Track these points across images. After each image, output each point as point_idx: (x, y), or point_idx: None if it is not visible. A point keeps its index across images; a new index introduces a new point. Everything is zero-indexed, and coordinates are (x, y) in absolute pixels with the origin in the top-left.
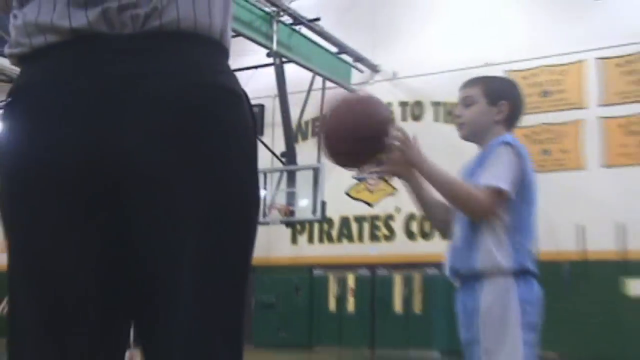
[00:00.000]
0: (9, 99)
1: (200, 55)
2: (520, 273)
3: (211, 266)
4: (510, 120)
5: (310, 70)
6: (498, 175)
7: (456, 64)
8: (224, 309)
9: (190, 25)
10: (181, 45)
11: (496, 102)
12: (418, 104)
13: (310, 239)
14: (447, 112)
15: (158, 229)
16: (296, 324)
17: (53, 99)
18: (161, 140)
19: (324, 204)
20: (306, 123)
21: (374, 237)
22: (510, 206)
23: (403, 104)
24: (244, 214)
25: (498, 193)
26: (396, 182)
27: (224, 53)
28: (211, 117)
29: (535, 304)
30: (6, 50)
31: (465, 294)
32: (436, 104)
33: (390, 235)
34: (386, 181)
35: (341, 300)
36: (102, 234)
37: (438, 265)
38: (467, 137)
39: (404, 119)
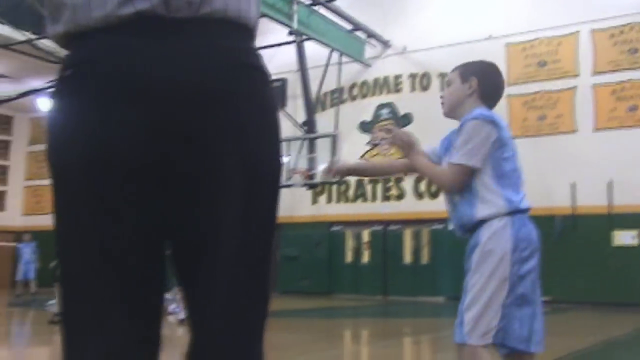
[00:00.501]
0: (65, 74)
1: (240, 40)
2: (514, 213)
3: (249, 224)
4: (483, 94)
5: (328, 46)
6: (464, 152)
7: (461, 37)
8: (260, 261)
9: (235, 14)
10: (226, 31)
11: (467, 79)
12: (426, 75)
13: (329, 199)
14: None
15: (205, 193)
16: (316, 274)
17: (110, 75)
18: (208, 112)
19: None
20: (325, 95)
21: (386, 197)
22: (494, 163)
23: (412, 76)
24: (274, 176)
25: (463, 168)
26: None
27: (254, 38)
28: (250, 93)
29: (529, 239)
30: (57, 27)
31: (470, 238)
32: (442, 76)
33: (401, 195)
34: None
35: (357, 253)
36: (150, 200)
37: (443, 221)
38: (447, 114)
39: (413, 89)
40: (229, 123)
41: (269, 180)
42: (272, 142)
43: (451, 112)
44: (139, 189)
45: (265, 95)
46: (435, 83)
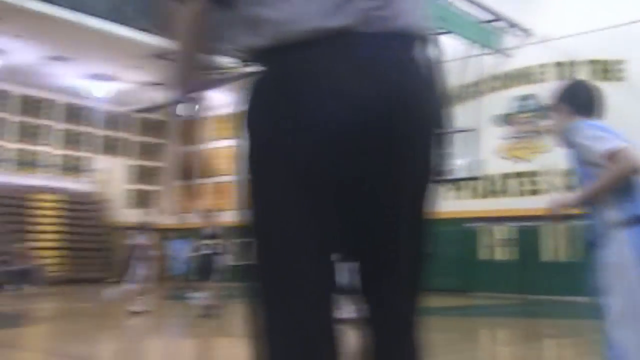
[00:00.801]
0: (265, 85)
1: (422, 51)
2: (633, 222)
3: (420, 228)
4: (579, 110)
5: (465, 38)
6: (600, 143)
7: (607, 21)
8: (424, 263)
9: (417, 28)
10: (411, 43)
11: (558, 107)
12: (572, 63)
13: (463, 195)
14: (603, 70)
15: (389, 198)
16: (450, 272)
17: (312, 86)
18: (404, 114)
19: (479, 162)
20: (463, 88)
21: (520, 192)
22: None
23: (558, 65)
24: (437, 184)
25: (615, 152)
26: (546, 140)
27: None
28: (436, 100)
29: None
30: (256, 40)
31: (593, 250)
32: (593, 62)
33: (538, 190)
34: (537, 139)
35: (491, 250)
36: (346, 201)
37: (583, 217)
38: (559, 145)
39: (558, 78)
40: (414, 131)
41: (433, 188)
42: (444, 149)
43: (560, 141)
44: (336, 188)
45: (443, 103)
46: (584, 71)
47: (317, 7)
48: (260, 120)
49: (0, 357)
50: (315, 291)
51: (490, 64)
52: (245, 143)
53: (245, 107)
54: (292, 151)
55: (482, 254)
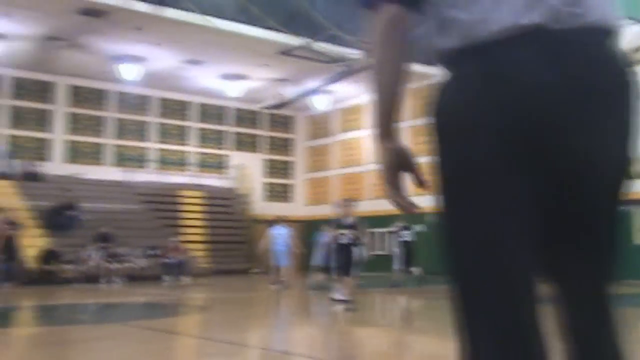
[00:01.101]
0: (461, 85)
1: (614, 45)
2: None
3: (611, 219)
4: None
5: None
6: None
7: None
8: (620, 241)
9: (609, 22)
10: (602, 38)
11: None
12: None
13: None
14: None
15: (580, 178)
16: None
17: (511, 83)
18: (604, 105)
19: None
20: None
21: None
22: None
23: None
24: (627, 172)
25: None
26: None
27: (619, 41)
28: (630, 91)
29: None
30: (447, 41)
31: None
32: None
33: None
34: None
35: None
36: (535, 186)
37: None
38: None
39: None
40: (606, 120)
41: (623, 176)
42: (632, 137)
43: None
44: (536, 181)
45: (635, 95)
46: None
47: (507, 6)
48: (455, 121)
49: (163, 342)
50: (522, 276)
51: (637, 35)
52: (437, 144)
53: (435, 108)
54: (492, 149)
55: (638, 238)
